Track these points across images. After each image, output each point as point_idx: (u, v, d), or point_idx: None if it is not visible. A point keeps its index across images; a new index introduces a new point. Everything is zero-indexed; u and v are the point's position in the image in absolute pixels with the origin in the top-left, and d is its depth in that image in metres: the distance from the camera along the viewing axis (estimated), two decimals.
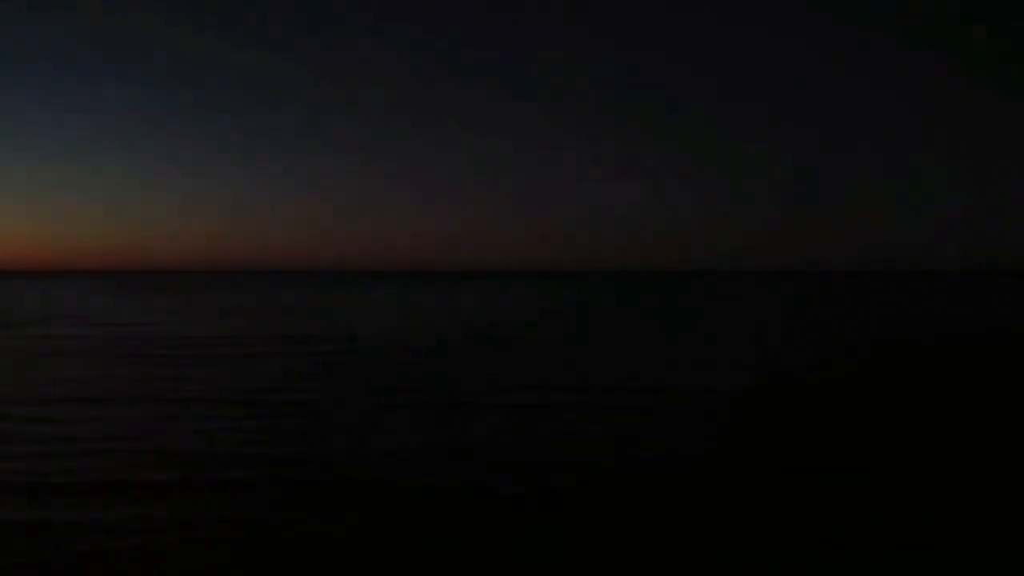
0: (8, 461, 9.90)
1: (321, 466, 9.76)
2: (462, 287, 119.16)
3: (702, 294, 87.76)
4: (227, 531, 7.25)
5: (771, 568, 6.48)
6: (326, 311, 50.88)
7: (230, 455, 10.33)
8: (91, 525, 7.36)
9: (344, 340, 28.47)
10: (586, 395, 15.73)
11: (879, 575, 6.36)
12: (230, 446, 10.89)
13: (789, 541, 7.12)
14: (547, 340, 28.63)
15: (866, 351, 24.36)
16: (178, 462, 9.91)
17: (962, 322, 37.71)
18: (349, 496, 8.43)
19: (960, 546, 7.01)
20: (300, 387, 16.58)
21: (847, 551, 6.85)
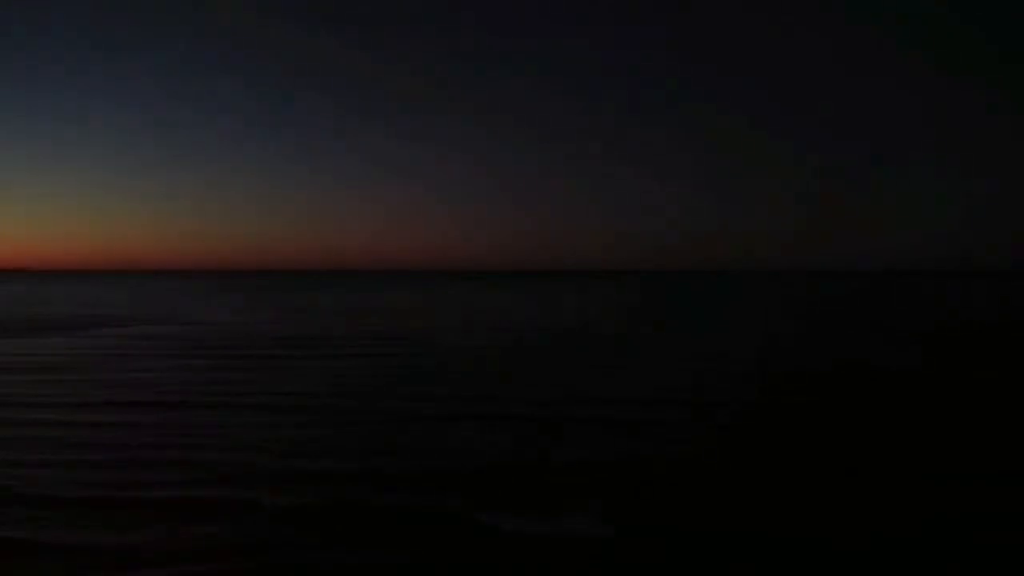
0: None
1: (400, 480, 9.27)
2: (501, 287, 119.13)
3: (744, 293, 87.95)
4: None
5: None
6: (407, 311, 51.25)
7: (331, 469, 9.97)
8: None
9: (434, 342, 28.24)
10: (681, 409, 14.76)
11: None
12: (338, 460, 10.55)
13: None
14: (640, 344, 27.64)
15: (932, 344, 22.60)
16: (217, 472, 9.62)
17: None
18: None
19: None
20: (402, 393, 16.30)
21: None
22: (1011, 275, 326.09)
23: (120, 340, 29.11)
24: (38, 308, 52.62)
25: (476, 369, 20.38)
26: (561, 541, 7.39)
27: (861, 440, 11.83)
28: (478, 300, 71.49)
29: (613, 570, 6.71)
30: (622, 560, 6.94)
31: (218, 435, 12.02)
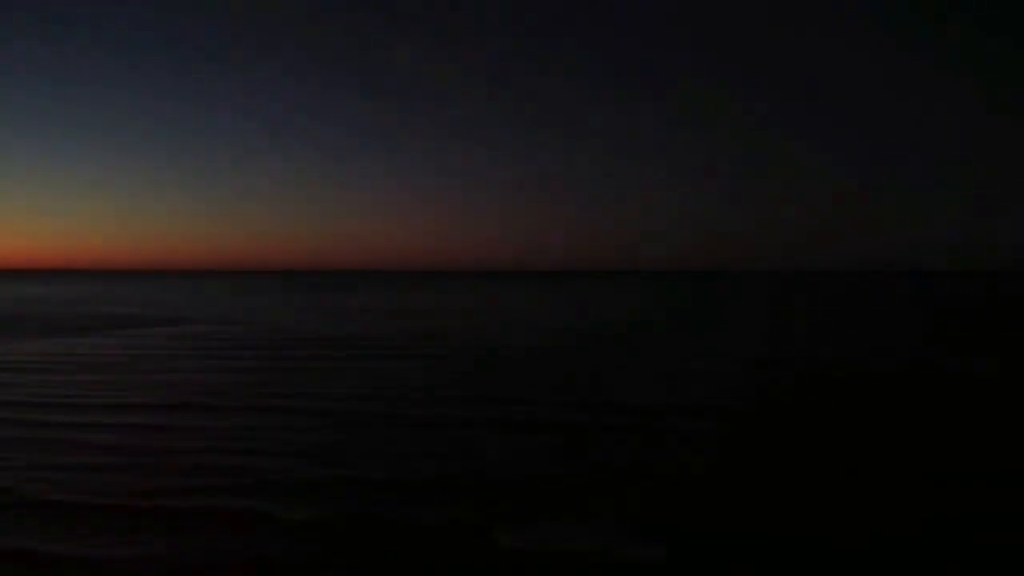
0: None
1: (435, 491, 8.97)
2: (526, 286, 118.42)
3: (767, 294, 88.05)
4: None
5: None
6: (443, 311, 51.28)
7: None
8: None
9: (481, 346, 28.03)
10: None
11: None
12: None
13: None
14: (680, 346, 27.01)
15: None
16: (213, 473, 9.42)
17: None
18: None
19: None
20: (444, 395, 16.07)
21: None
22: (1015, 275, 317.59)
23: (162, 340, 29.53)
24: (85, 307, 53.96)
25: (510, 371, 20.03)
26: (586, 561, 6.99)
27: (894, 439, 11.15)
28: (509, 300, 71.29)
29: None
30: None
31: (244, 440, 11.85)
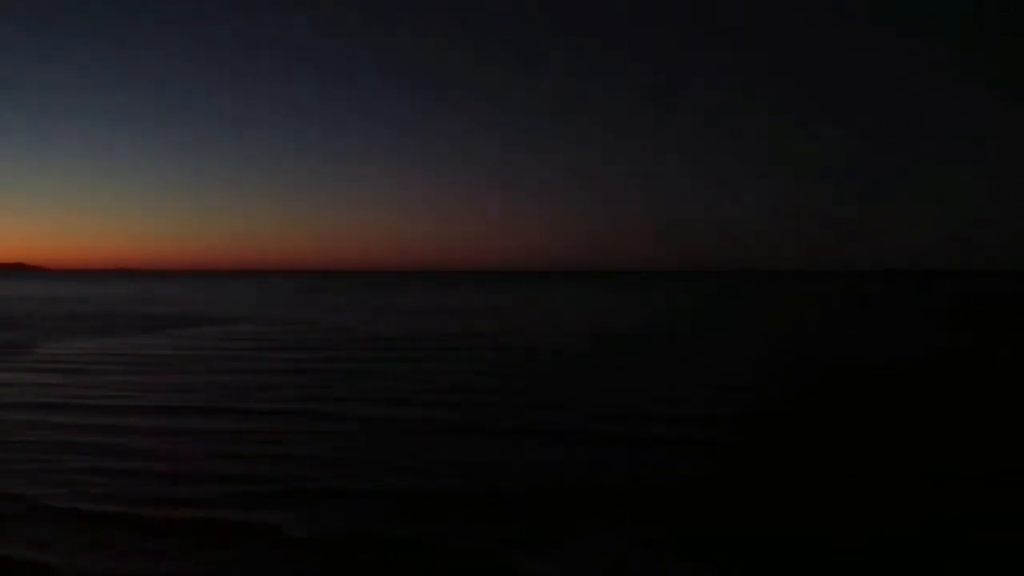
0: None
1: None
2: (563, 285, 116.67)
3: (807, 293, 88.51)
4: None
5: None
6: (488, 311, 50.98)
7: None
8: None
9: (520, 347, 27.55)
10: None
11: None
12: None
13: None
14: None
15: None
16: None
17: None
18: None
19: None
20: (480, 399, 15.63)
21: None
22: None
23: (212, 340, 29.84)
24: (140, 307, 55.41)
25: (550, 374, 19.42)
26: None
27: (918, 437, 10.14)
28: (549, 299, 70.59)
29: None
30: None
31: (269, 446, 11.52)
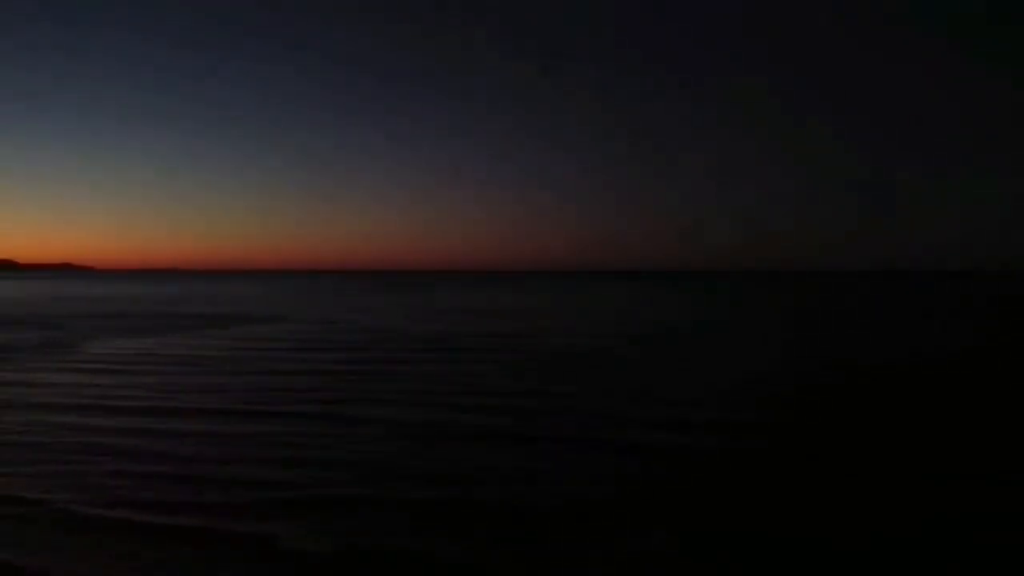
0: None
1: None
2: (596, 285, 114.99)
3: (839, 292, 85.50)
4: None
5: None
6: (527, 311, 50.44)
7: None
8: None
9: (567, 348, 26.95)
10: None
11: None
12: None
13: None
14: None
15: None
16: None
17: None
18: None
19: None
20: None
21: None
22: None
23: (250, 340, 29.86)
24: (182, 307, 56.22)
25: (586, 378, 18.76)
26: None
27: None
28: (584, 299, 69.73)
29: None
30: None
31: (288, 450, 11.12)
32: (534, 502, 8.56)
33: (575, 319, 42.17)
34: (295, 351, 25.20)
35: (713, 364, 21.47)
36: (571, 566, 6.72)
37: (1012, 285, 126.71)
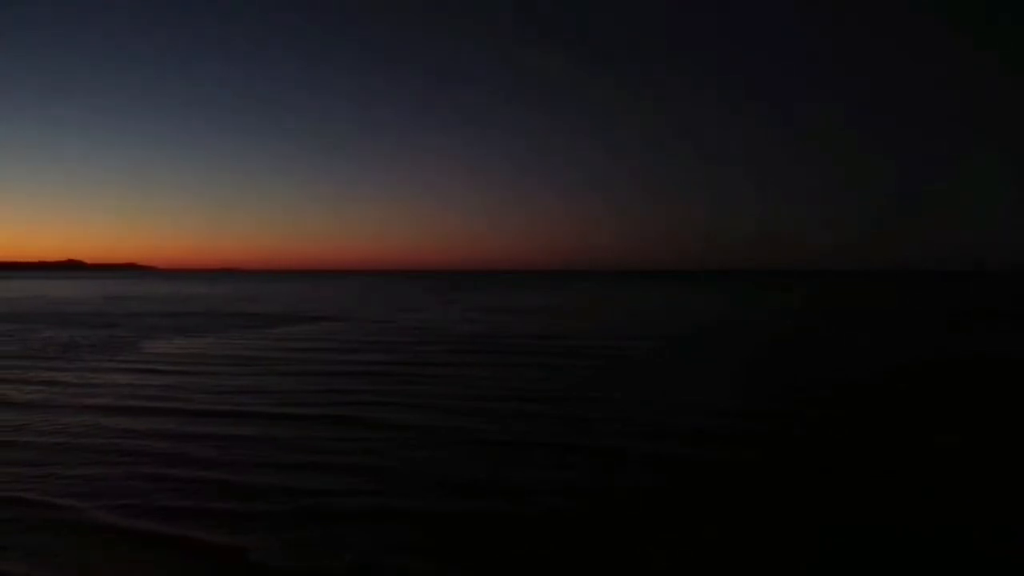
0: None
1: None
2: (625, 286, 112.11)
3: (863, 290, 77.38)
4: None
5: None
6: (570, 311, 49.90)
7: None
8: None
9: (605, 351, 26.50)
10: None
11: None
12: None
13: None
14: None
15: None
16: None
17: None
18: None
19: None
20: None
21: None
22: None
23: (296, 339, 30.25)
24: (240, 306, 57.52)
25: (623, 381, 18.27)
26: None
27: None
28: (625, 299, 68.52)
29: None
30: None
31: (299, 455, 11.03)
32: (567, 519, 8.21)
33: (614, 321, 41.54)
34: (340, 352, 25.38)
35: (767, 368, 20.67)
36: None
37: None
